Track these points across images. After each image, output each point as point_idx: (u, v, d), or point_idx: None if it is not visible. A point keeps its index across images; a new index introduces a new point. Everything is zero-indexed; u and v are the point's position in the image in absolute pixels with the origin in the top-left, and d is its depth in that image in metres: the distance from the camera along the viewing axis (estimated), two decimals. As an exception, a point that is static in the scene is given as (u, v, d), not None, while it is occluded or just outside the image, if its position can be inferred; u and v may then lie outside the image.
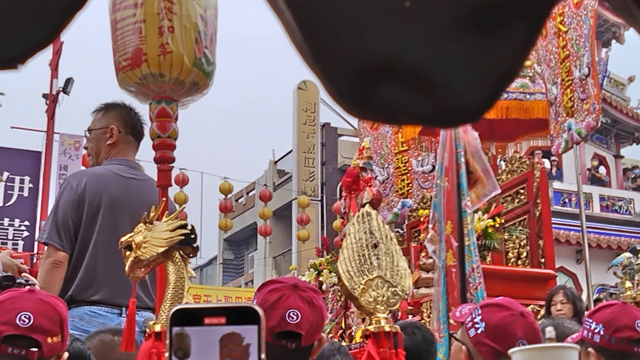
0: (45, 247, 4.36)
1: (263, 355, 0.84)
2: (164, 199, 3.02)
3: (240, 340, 0.84)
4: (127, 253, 2.77)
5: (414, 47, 0.54)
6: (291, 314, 2.53)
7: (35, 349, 2.39)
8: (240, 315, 0.85)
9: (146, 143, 4.41)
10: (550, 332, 2.19)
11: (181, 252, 2.74)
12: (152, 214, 2.81)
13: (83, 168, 15.40)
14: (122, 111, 4.53)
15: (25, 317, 2.38)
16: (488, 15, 0.54)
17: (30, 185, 16.90)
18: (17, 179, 16.92)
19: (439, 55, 0.54)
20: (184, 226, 2.75)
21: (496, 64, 0.56)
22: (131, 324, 2.88)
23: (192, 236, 2.76)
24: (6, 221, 16.27)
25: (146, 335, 2.67)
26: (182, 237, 2.72)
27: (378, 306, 2.91)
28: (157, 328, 2.59)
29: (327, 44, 0.53)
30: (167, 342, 0.84)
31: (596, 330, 2.99)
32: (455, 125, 0.59)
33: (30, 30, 0.47)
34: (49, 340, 2.41)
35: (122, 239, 2.82)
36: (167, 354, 0.84)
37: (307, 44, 0.53)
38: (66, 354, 2.53)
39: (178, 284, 2.68)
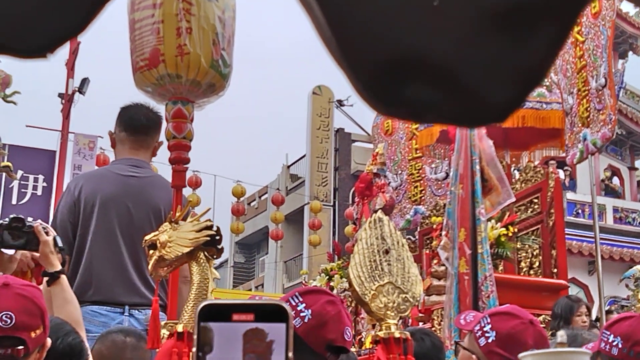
0: None
1: (291, 354, 0.84)
2: (190, 200, 3.01)
3: (263, 336, 0.84)
4: (151, 252, 2.76)
5: (442, 46, 0.53)
6: (347, 332, 2.65)
7: (21, 347, 2.38)
8: (268, 313, 0.85)
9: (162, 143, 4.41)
10: (561, 336, 2.18)
11: (206, 253, 2.73)
12: (177, 214, 2.81)
13: (96, 168, 15.46)
14: (120, 112, 4.48)
15: (6, 317, 2.36)
16: (517, 16, 0.54)
17: (44, 184, 16.97)
18: (31, 177, 17.00)
19: (466, 55, 0.54)
20: (210, 227, 2.75)
21: (523, 66, 0.56)
22: (156, 322, 2.88)
23: (217, 237, 2.76)
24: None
25: (168, 334, 2.67)
26: (208, 239, 2.72)
27: (388, 312, 2.91)
28: (180, 328, 2.59)
29: (355, 39, 0.53)
30: (195, 337, 0.84)
31: (614, 343, 2.96)
32: (479, 125, 0.58)
33: (60, 20, 0.47)
34: (33, 335, 2.41)
35: (147, 237, 2.81)
36: (194, 349, 0.84)
37: (335, 39, 0.53)
38: (48, 341, 2.53)
39: (202, 285, 2.68)
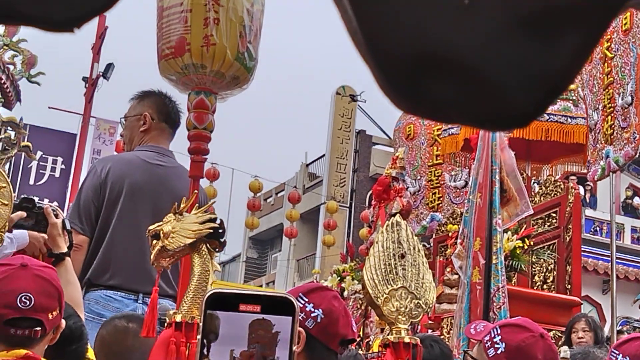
0: None
1: (295, 347, 0.84)
2: (196, 191, 3.03)
3: (269, 327, 0.84)
4: (154, 242, 2.78)
5: (470, 45, 0.53)
6: (353, 323, 2.72)
7: (38, 328, 2.40)
8: (275, 305, 0.85)
9: (181, 133, 4.45)
10: (565, 351, 2.18)
11: (208, 245, 2.75)
12: (182, 205, 2.82)
13: (116, 154, 15.53)
14: (157, 99, 4.57)
15: (25, 298, 2.38)
16: (546, 20, 0.54)
17: (63, 166, 17.06)
18: (50, 159, 17.09)
19: (493, 56, 0.54)
20: (213, 220, 2.76)
21: (549, 71, 0.55)
22: (153, 312, 2.89)
23: (220, 231, 2.77)
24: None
25: (166, 324, 2.68)
26: (211, 231, 2.74)
27: (400, 317, 2.90)
28: (178, 318, 2.60)
29: (382, 34, 0.53)
30: (201, 324, 0.84)
31: None
32: (501, 129, 0.58)
33: (89, -5, 0.47)
34: (50, 316, 2.43)
35: (151, 227, 2.83)
36: (199, 337, 0.84)
37: (362, 33, 0.53)
38: (63, 322, 2.55)
39: (202, 277, 2.69)
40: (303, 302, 2.62)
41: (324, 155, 28.27)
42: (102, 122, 17.91)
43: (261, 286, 30.57)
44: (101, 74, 17.51)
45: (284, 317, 0.85)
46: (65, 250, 3.46)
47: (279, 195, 32.03)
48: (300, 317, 2.59)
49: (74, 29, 0.48)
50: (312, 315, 2.60)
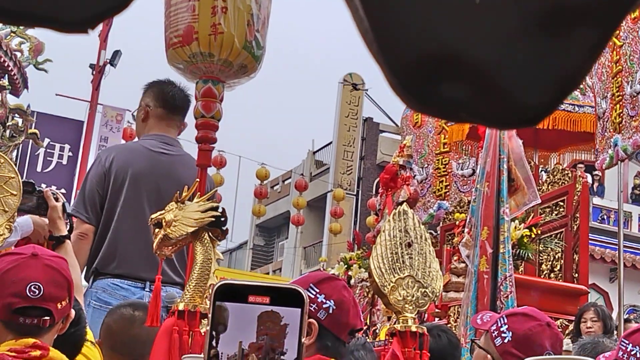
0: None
1: (304, 339, 0.85)
2: (197, 179, 3.02)
3: (278, 319, 0.85)
4: (157, 230, 2.78)
5: (480, 44, 0.53)
6: (361, 313, 2.74)
7: (47, 318, 2.41)
8: (284, 296, 0.86)
9: (189, 122, 4.45)
10: (567, 344, 2.19)
11: (210, 233, 2.75)
12: (184, 194, 2.83)
13: (123, 142, 15.55)
14: (156, 87, 4.56)
15: (35, 287, 2.39)
16: (558, 18, 0.54)
17: (70, 153, 17.08)
18: (57, 146, 17.11)
19: (504, 55, 0.54)
20: (215, 208, 2.77)
21: (561, 69, 0.56)
22: (157, 300, 2.90)
23: (222, 219, 2.77)
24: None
25: (169, 312, 2.70)
26: (213, 219, 2.74)
27: (407, 305, 2.91)
28: (181, 306, 2.61)
29: (393, 33, 0.53)
30: (209, 315, 0.85)
31: (632, 352, 2.95)
32: (511, 128, 0.58)
33: (103, -5, 0.47)
34: (59, 306, 2.44)
35: (153, 216, 2.83)
36: (207, 328, 0.85)
37: (373, 32, 0.53)
38: (72, 312, 2.57)
39: (205, 265, 2.69)
40: (314, 292, 2.63)
41: (331, 142, 28.25)
42: (109, 110, 17.91)
43: (268, 274, 30.63)
44: (108, 61, 17.50)
45: (293, 309, 0.86)
46: (65, 233, 3.48)
47: (286, 182, 32.03)
48: (312, 308, 2.60)
49: (87, 30, 0.48)
50: (324, 306, 2.61)
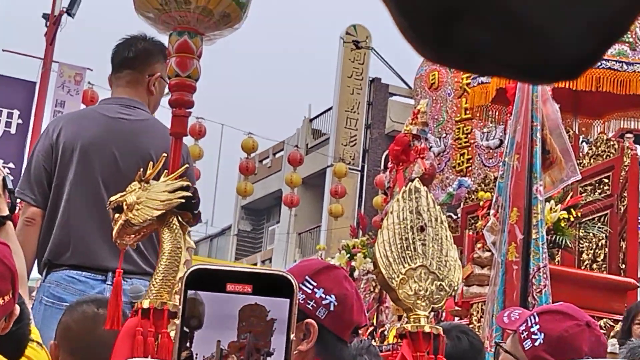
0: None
1: (293, 336, 0.84)
2: (164, 155, 2.97)
3: (263, 313, 0.84)
4: (117, 215, 2.76)
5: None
6: (364, 308, 2.76)
7: None
8: (270, 284, 0.85)
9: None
10: (613, 344, 2.19)
11: (179, 218, 2.73)
12: (149, 171, 2.80)
13: (83, 107, 15.52)
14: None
15: None
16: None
17: (20, 120, 17.04)
18: (5, 112, 17.06)
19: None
20: (185, 188, 2.74)
21: (605, 12, 0.55)
22: (117, 298, 2.89)
23: (194, 201, 2.75)
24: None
25: (132, 310, 2.68)
26: (182, 201, 2.72)
27: (419, 301, 2.91)
28: (146, 304, 2.60)
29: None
30: (180, 307, 0.84)
31: None
32: (545, 81, 0.57)
33: None
34: (1, 301, 2.43)
35: (112, 198, 2.81)
36: (178, 321, 0.84)
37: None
38: (17, 308, 2.55)
39: (173, 255, 2.67)
40: (312, 286, 2.62)
41: (330, 108, 28.23)
42: (66, 68, 17.86)
43: (256, 264, 30.70)
44: (65, 10, 17.44)
45: (280, 300, 0.85)
46: (6, 212, 3.47)
47: (277, 156, 32.05)
48: (309, 306, 2.60)
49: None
50: (324, 302, 2.61)
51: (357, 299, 2.70)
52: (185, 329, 0.84)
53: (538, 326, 2.96)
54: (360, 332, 2.80)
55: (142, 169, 2.83)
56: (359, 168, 27.09)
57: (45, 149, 4.30)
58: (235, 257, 32.81)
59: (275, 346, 0.84)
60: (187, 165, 3.21)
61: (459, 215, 11.52)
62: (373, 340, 8.47)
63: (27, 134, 16.83)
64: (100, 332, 3.10)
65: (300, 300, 2.60)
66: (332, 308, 2.60)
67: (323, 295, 2.61)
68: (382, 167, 21.91)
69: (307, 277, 2.64)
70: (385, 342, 7.79)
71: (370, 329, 9.55)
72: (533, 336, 2.95)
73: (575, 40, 0.54)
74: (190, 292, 0.85)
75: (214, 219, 35.20)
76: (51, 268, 4.19)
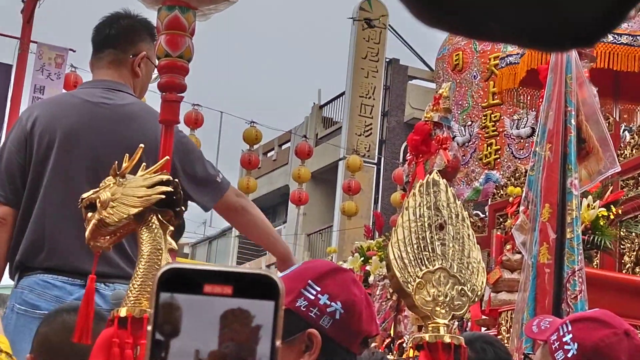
0: None
1: (279, 342, 0.83)
2: (141, 145, 2.92)
3: (248, 319, 0.84)
4: (90, 214, 2.75)
5: None
6: (375, 316, 2.83)
7: None
8: (252, 285, 0.85)
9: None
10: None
11: (159, 216, 2.70)
12: (125, 164, 2.78)
13: (61, 93, 15.54)
14: None
15: None
16: None
17: (-6, 108, 17.08)
18: (-23, 98, 17.10)
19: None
20: (166, 182, 2.71)
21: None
22: (88, 307, 2.87)
23: (175, 197, 2.72)
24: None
25: (108, 319, 2.68)
26: (162, 197, 2.69)
27: (438, 308, 2.90)
28: (123, 312, 2.59)
29: None
30: (152, 311, 0.83)
31: None
32: (561, 47, 0.57)
33: None
34: None
35: (84, 195, 2.80)
36: (149, 327, 0.83)
37: None
38: None
39: (153, 258, 2.65)
40: (315, 292, 2.62)
41: (343, 93, 28.24)
42: (46, 49, 17.87)
43: (260, 269, 30.71)
44: (44, -16, 17.48)
45: (265, 302, 0.85)
46: None
47: (284, 148, 32.08)
48: (312, 314, 2.59)
49: None
50: (329, 310, 2.60)
51: (367, 306, 2.69)
52: (159, 336, 0.84)
53: (571, 335, 2.96)
54: (371, 342, 2.80)
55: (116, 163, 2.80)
56: (375, 161, 27.10)
57: (18, 141, 4.27)
58: (237, 262, 32.86)
59: (262, 355, 0.84)
60: (167, 158, 3.18)
61: (487, 213, 11.51)
62: (390, 354, 8.48)
63: (3, 123, 16.86)
64: (82, 345, 3.10)
65: (302, 308, 2.60)
66: (337, 316, 2.60)
67: (328, 302, 2.61)
68: (400, 159, 21.92)
69: (310, 282, 2.64)
70: (405, 356, 7.79)
71: (387, 340, 9.56)
72: (566, 347, 2.95)
73: (591, 2, 0.53)
74: (164, 294, 0.84)
75: (212, 219, 35.29)
76: (24, 272, 4.17)
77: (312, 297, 2.61)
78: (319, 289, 2.62)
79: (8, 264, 4.26)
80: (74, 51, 17.80)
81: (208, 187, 4.31)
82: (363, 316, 2.66)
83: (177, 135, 4.03)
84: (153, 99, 4.46)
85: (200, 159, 4.32)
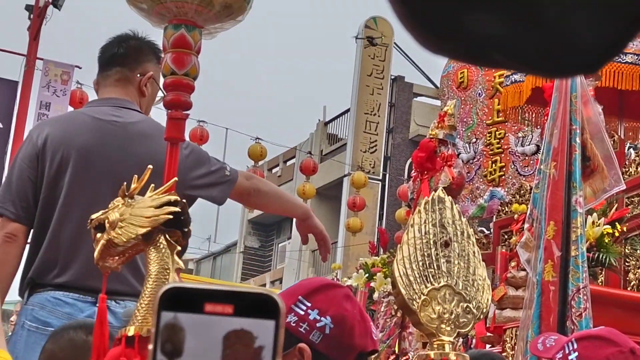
0: None
1: None
2: (150, 166, 2.92)
3: (251, 340, 0.84)
4: (98, 235, 2.75)
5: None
6: (373, 329, 2.73)
7: None
8: (253, 305, 0.85)
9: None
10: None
11: (167, 236, 2.71)
12: (134, 185, 2.79)
13: (71, 109, 15.56)
14: None
15: None
16: None
17: (0, 125, 17.08)
18: (-17, 115, 17.10)
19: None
20: (174, 203, 2.71)
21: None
22: (102, 327, 2.88)
23: (183, 217, 2.72)
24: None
25: (116, 338, 2.68)
26: (170, 217, 2.70)
27: (443, 325, 2.91)
28: (131, 331, 2.59)
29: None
30: (153, 330, 0.84)
31: None
32: (560, 75, 0.58)
33: None
34: None
35: (93, 216, 2.81)
36: (151, 346, 0.84)
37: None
38: None
39: (160, 277, 2.65)
40: (305, 307, 2.63)
41: (348, 110, 28.23)
42: (52, 66, 17.88)
43: (265, 285, 30.67)
44: (51, 1, 17.49)
45: (265, 322, 0.85)
46: None
47: (288, 164, 32.07)
48: (302, 329, 2.60)
49: None
50: (318, 325, 2.61)
51: (360, 321, 2.68)
52: (160, 356, 0.84)
53: (577, 354, 2.96)
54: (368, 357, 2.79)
55: (124, 184, 2.80)
56: (380, 177, 27.08)
57: (29, 158, 4.25)
58: (242, 278, 32.81)
59: None
60: (175, 178, 3.18)
61: (492, 230, 11.50)
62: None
63: (8, 140, 16.85)
64: (89, 360, 3.11)
65: (292, 323, 2.61)
66: (327, 331, 2.60)
67: (317, 317, 2.61)
68: (405, 176, 21.90)
69: (300, 298, 2.65)
70: (409, 374, 7.79)
71: (392, 357, 9.54)
72: (570, 365, 2.95)
73: (595, 31, 0.54)
74: (166, 313, 0.85)
75: (217, 235, 35.24)
76: (34, 289, 4.17)
77: (302, 313, 2.62)
78: (309, 304, 2.63)
79: (20, 280, 4.26)
80: (80, 68, 17.78)
81: (220, 185, 4.33)
82: (355, 331, 2.65)
83: (188, 147, 4.06)
84: (158, 116, 4.47)
85: (208, 163, 4.33)
